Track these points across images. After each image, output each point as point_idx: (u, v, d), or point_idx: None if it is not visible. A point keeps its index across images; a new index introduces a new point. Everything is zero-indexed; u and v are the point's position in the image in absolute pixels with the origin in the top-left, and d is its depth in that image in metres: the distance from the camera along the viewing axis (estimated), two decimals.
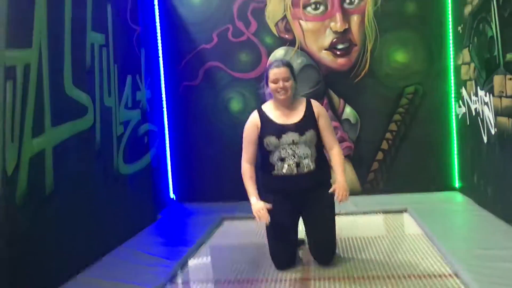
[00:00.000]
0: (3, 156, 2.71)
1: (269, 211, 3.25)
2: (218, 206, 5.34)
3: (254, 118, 3.36)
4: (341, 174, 3.33)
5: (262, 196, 3.32)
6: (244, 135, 3.37)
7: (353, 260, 3.56)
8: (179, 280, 3.46)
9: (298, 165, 3.22)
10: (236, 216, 4.97)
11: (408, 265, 3.42)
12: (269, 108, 3.37)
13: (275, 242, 3.41)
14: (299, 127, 3.25)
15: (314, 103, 3.40)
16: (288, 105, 3.31)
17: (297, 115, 3.30)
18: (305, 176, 3.25)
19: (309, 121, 3.29)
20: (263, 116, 3.33)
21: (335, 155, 3.37)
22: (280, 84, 3.22)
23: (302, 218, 3.45)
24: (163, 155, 5.57)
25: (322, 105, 5.62)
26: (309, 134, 3.26)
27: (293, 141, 3.22)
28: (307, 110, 3.32)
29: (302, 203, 3.35)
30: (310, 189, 3.30)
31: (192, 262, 3.80)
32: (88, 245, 3.57)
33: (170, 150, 5.66)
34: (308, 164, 3.24)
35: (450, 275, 3.18)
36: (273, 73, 3.26)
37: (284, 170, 3.24)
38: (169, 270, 3.45)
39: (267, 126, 3.29)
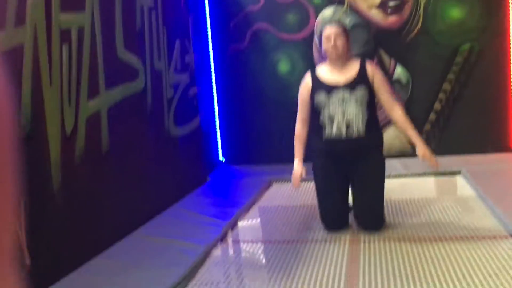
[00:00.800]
0: (61, 117, 2.81)
1: (319, 173, 3.31)
2: (267, 168, 5.37)
3: (306, 78, 3.37)
4: (417, 137, 3.27)
5: (314, 159, 3.35)
6: (299, 95, 3.39)
7: (403, 223, 3.52)
8: (230, 239, 3.54)
9: (348, 126, 3.17)
10: (285, 178, 4.99)
11: (461, 227, 3.35)
12: (322, 69, 3.36)
13: (324, 203, 3.40)
14: (350, 84, 3.21)
15: (369, 64, 3.35)
16: (341, 64, 3.27)
17: (350, 74, 3.26)
18: (355, 140, 3.20)
19: (361, 79, 3.23)
20: (314, 76, 3.32)
21: (399, 116, 3.31)
22: (332, 42, 3.20)
23: (351, 183, 3.38)
24: (212, 118, 5.63)
25: None
26: (360, 91, 3.21)
27: (343, 98, 3.19)
28: (361, 69, 3.27)
29: (351, 167, 3.30)
30: (360, 153, 3.24)
31: (241, 223, 3.87)
32: (141, 204, 3.70)
33: (219, 113, 5.72)
34: (358, 126, 3.19)
35: (505, 236, 3.11)
36: (326, 31, 3.25)
37: (333, 130, 3.20)
38: (220, 229, 3.53)
39: (318, 85, 3.28)
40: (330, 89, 3.23)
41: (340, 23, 3.38)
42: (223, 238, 3.47)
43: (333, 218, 3.42)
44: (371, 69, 3.30)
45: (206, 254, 3.12)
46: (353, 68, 3.28)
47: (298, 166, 3.35)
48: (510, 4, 5.07)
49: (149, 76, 3.97)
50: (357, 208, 3.39)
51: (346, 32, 3.29)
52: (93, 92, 3.16)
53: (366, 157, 3.25)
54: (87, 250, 2.99)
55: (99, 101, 3.23)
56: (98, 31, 3.24)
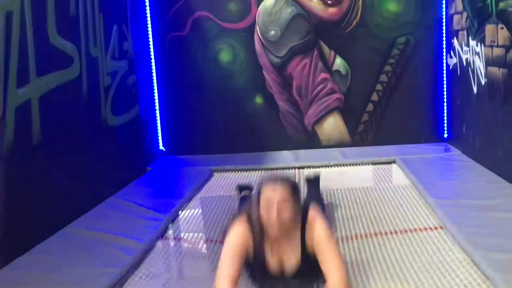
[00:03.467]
0: None
1: None
2: (208, 158, 5.34)
3: (245, 237, 2.30)
4: None
5: None
6: (227, 244, 2.30)
7: (341, 216, 3.55)
8: (170, 233, 3.47)
9: None
10: (226, 168, 4.99)
11: (395, 219, 3.43)
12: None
13: None
14: (296, 278, 2.35)
15: (310, 224, 2.32)
16: (282, 236, 2.30)
17: (293, 254, 2.34)
18: None
19: (308, 264, 2.33)
20: (256, 243, 2.31)
21: (334, 285, 2.20)
22: (274, 212, 2.19)
23: None
24: (152, 107, 5.52)
25: (312, 56, 5.65)
26: (308, 278, 2.40)
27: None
28: (302, 240, 2.32)
29: None
30: None
31: (182, 215, 3.83)
32: (77, 196, 3.58)
33: (159, 102, 5.60)
34: None
35: (435, 228, 3.21)
36: (265, 197, 2.23)
37: None
38: (159, 224, 3.44)
39: (255, 265, 2.34)
40: (271, 283, 2.37)
41: (287, 182, 2.29)
42: (163, 234, 3.39)
43: None
44: (311, 239, 2.31)
45: (145, 252, 3.04)
46: (295, 236, 2.31)
47: None
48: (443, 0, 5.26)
49: (84, 63, 3.82)
50: None
51: (295, 194, 2.28)
52: (23, 80, 3.00)
53: None
54: (17, 246, 2.86)
55: (30, 89, 3.08)
56: (29, 16, 3.08)
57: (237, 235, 2.29)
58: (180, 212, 3.85)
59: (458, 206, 3.38)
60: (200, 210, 3.98)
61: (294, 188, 2.29)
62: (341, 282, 2.19)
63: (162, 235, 3.38)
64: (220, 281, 2.19)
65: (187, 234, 3.50)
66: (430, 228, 3.23)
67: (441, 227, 3.19)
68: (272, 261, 2.33)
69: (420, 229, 3.23)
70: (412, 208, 3.64)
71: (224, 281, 2.18)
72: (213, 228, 3.49)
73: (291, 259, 2.33)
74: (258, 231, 2.29)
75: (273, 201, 2.19)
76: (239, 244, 2.28)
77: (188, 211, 3.91)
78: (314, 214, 2.34)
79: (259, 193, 2.27)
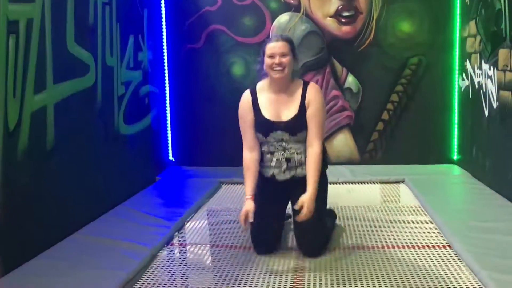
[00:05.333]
0: (5, 111, 2.71)
1: (257, 198, 2.94)
2: (217, 170, 5.37)
3: (247, 101, 2.96)
4: (313, 185, 2.81)
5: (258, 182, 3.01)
6: (240, 119, 2.98)
7: (348, 229, 3.59)
8: (176, 242, 3.51)
9: (288, 160, 2.88)
10: (234, 180, 5.01)
11: (402, 236, 3.45)
12: (262, 89, 2.97)
13: (257, 229, 3.08)
14: (290, 127, 2.87)
15: (310, 89, 2.92)
16: (284, 87, 2.90)
17: (291, 108, 2.88)
18: (296, 172, 2.94)
19: (302, 119, 2.87)
20: (255, 102, 2.94)
21: (312, 156, 2.84)
22: (276, 59, 2.81)
23: (291, 206, 3.09)
24: (164, 117, 5.57)
25: (324, 73, 5.68)
26: (302, 134, 2.89)
27: (282, 139, 2.88)
28: (302, 100, 2.88)
29: (291, 191, 3.02)
30: (301, 179, 2.93)
31: (189, 224, 3.85)
32: (87, 203, 3.61)
33: (170, 113, 5.66)
34: (300, 159, 2.89)
35: (443, 245, 3.22)
36: (270, 47, 2.85)
37: (272, 164, 2.91)
38: (166, 231, 3.49)
39: (256, 119, 2.92)
40: (267, 128, 2.89)
41: (287, 37, 2.96)
42: (169, 241, 3.44)
43: (263, 246, 3.12)
44: (309, 98, 2.90)
45: (152, 257, 3.08)
46: (295, 97, 2.90)
47: (247, 204, 2.89)
48: (457, 21, 5.28)
49: (100, 72, 3.88)
50: (296, 235, 3.13)
51: (293, 49, 2.91)
52: (40, 86, 3.05)
53: (305, 182, 2.90)
54: (28, 249, 2.89)
55: (46, 96, 3.13)
56: (48, 24, 3.14)
57: (241, 104, 2.98)
58: (186, 221, 3.88)
59: (466, 227, 3.38)
60: (207, 221, 4.00)
61: (292, 43, 2.91)
62: (319, 154, 2.85)
63: (169, 242, 3.42)
64: (243, 151, 2.96)
65: (193, 241, 3.52)
66: (438, 246, 3.23)
67: (448, 246, 3.20)
68: (269, 110, 2.89)
69: (428, 246, 3.23)
70: (420, 226, 3.64)
71: (244, 151, 2.95)
72: (219, 236, 3.51)
73: (289, 110, 2.86)
74: (254, 90, 2.95)
75: (275, 48, 2.81)
76: (243, 111, 2.95)
77: (195, 221, 3.93)
78: (315, 84, 2.97)
79: (263, 50, 2.88)
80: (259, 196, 2.95)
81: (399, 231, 3.55)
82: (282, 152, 2.86)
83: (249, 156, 2.93)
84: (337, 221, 3.72)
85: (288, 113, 2.87)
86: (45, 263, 2.87)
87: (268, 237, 3.10)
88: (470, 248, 2.97)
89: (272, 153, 2.89)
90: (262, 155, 2.96)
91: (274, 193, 3.01)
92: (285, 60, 2.82)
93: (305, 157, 2.87)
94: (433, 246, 3.23)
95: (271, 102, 2.91)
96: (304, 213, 2.80)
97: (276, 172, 2.91)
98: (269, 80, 2.93)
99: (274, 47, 2.83)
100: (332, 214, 3.56)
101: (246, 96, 2.99)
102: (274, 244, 3.15)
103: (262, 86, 2.99)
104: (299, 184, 2.91)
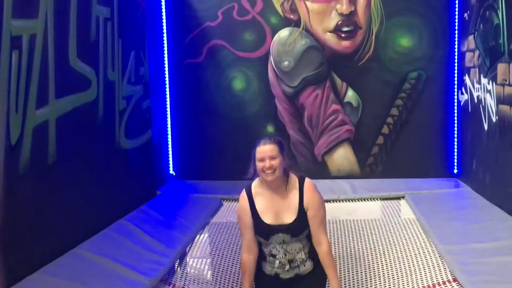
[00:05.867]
0: (7, 125, 2.73)
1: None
2: (217, 184, 5.36)
3: (245, 205, 2.91)
4: (335, 278, 2.84)
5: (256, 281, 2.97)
6: (238, 220, 2.96)
7: (348, 244, 3.55)
8: (174, 281, 3.37)
9: (291, 261, 2.85)
10: (235, 198, 4.98)
11: (407, 275, 3.32)
12: (258, 192, 2.92)
13: None
14: (292, 230, 2.84)
15: (307, 189, 2.88)
16: (278, 187, 2.87)
17: (290, 210, 2.85)
18: (298, 270, 2.88)
19: (302, 220, 2.84)
20: (252, 207, 2.88)
21: (325, 253, 2.85)
22: (267, 163, 2.78)
23: None
24: (165, 132, 5.59)
25: (324, 88, 5.71)
26: (303, 235, 2.86)
27: (283, 241, 2.85)
28: (300, 202, 2.84)
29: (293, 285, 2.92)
30: (304, 277, 2.89)
31: (192, 250, 3.79)
32: (88, 216, 3.61)
33: (171, 127, 5.68)
34: (301, 257, 2.86)
35: (448, 280, 3.13)
36: (259, 151, 2.82)
37: (275, 265, 2.87)
38: (166, 261, 3.40)
39: (255, 224, 2.87)
40: (268, 232, 2.85)
41: (275, 139, 2.92)
42: (168, 276, 3.34)
43: None
44: (308, 198, 2.85)
45: None
46: (292, 198, 2.86)
47: None
48: (456, 36, 5.33)
49: (101, 87, 3.90)
50: None
51: (283, 148, 2.87)
52: (42, 101, 3.08)
53: (307, 278, 2.88)
54: (29, 263, 2.89)
55: (48, 110, 3.15)
56: (51, 40, 3.17)
57: (239, 207, 2.91)
58: (187, 249, 3.81)
59: (467, 252, 3.29)
60: (208, 241, 3.93)
61: (281, 144, 2.89)
62: (330, 250, 2.83)
63: (167, 279, 3.32)
64: (242, 252, 2.92)
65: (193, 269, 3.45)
66: (444, 283, 3.14)
67: (454, 280, 3.10)
68: (268, 214, 2.84)
69: (434, 285, 3.14)
70: (423, 260, 3.48)
71: (243, 252, 2.90)
72: (220, 259, 3.46)
73: (289, 213, 2.83)
74: (250, 193, 2.89)
75: (264, 152, 2.79)
76: (242, 214, 2.88)
77: (195, 250, 3.85)
78: (310, 182, 2.91)
79: (254, 154, 2.85)
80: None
81: (401, 264, 3.41)
82: (284, 255, 2.84)
83: (247, 259, 2.90)
84: (337, 236, 3.70)
85: (287, 216, 2.84)
86: (44, 278, 2.84)
87: None
88: (473, 279, 2.89)
89: (274, 256, 2.85)
90: (263, 255, 2.91)
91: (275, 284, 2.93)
92: (275, 162, 2.79)
93: (307, 253, 2.85)
94: (438, 284, 3.13)
95: (268, 205, 2.88)
96: None
97: (279, 272, 2.88)
98: (262, 182, 2.87)
99: (263, 151, 2.81)
100: None
101: (244, 199, 2.91)
102: None
103: (257, 187, 2.93)
104: (302, 280, 2.89)
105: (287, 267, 2.84)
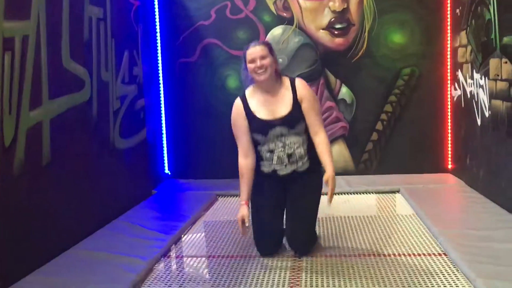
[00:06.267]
0: (0, 127, 2.72)
1: (256, 197, 3.12)
2: (213, 183, 5.38)
3: (239, 108, 3.09)
4: (330, 163, 2.95)
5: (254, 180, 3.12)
6: (233, 127, 3.10)
7: (344, 238, 3.62)
8: (173, 254, 3.51)
9: (289, 155, 2.98)
10: (230, 193, 5.02)
11: (398, 244, 3.48)
12: (252, 95, 3.07)
13: (259, 228, 3.22)
14: (288, 121, 2.97)
15: (298, 84, 3.03)
16: (271, 87, 3.01)
17: (284, 105, 2.99)
18: (297, 165, 3.04)
19: (298, 112, 2.98)
20: (246, 106, 3.05)
21: (321, 143, 2.99)
22: (258, 63, 2.92)
23: (286, 202, 3.21)
24: (159, 131, 5.59)
25: (318, 85, 5.73)
26: (300, 126, 3.00)
27: (281, 133, 2.97)
28: (294, 97, 2.99)
29: (289, 186, 3.12)
30: (300, 174, 3.07)
31: (186, 237, 3.85)
32: (83, 217, 3.62)
33: (166, 126, 5.68)
34: (300, 152, 2.98)
35: (439, 253, 3.25)
36: (249, 53, 2.97)
37: (274, 161, 2.99)
38: (163, 244, 3.50)
39: (252, 120, 3.02)
40: (265, 128, 2.99)
41: (264, 41, 3.11)
42: (166, 253, 3.44)
43: (267, 244, 3.24)
44: (300, 93, 3.01)
45: (149, 270, 3.09)
46: (285, 94, 3.00)
47: (241, 210, 3.03)
48: (448, 32, 5.35)
49: (95, 87, 3.91)
50: (288, 229, 3.25)
51: (271, 50, 3.02)
52: (35, 102, 3.08)
53: (304, 177, 3.07)
54: (24, 265, 2.89)
55: (42, 111, 3.15)
56: (44, 40, 3.17)
57: (233, 112, 3.09)
58: (183, 234, 3.89)
59: (461, 235, 3.40)
60: (203, 233, 4.00)
61: (269, 45, 3.03)
62: (326, 139, 2.99)
63: (165, 254, 3.42)
64: (239, 158, 3.08)
65: (189, 253, 3.53)
66: (434, 254, 3.25)
67: (444, 254, 3.22)
68: (263, 111, 2.97)
69: (424, 254, 3.25)
70: (415, 235, 3.66)
71: (239, 158, 3.06)
72: (215, 247, 3.52)
73: (283, 108, 2.95)
74: (244, 98, 3.07)
75: (255, 53, 2.92)
76: (236, 117, 3.06)
77: (192, 234, 3.94)
78: (301, 80, 3.06)
79: (244, 58, 2.99)
80: (257, 196, 3.11)
81: (395, 240, 3.57)
82: (282, 149, 2.95)
83: (244, 163, 3.03)
84: (334, 231, 3.75)
85: (282, 110, 2.98)
86: (41, 279, 2.86)
87: (270, 236, 3.21)
88: (465, 256, 2.99)
89: (272, 151, 2.98)
90: (260, 155, 3.07)
91: (272, 190, 3.11)
92: (265, 62, 2.94)
93: (305, 149, 3.00)
94: (429, 254, 3.25)
95: (263, 103, 3.02)
96: (330, 189, 2.94)
97: (278, 168, 3.01)
98: (256, 84, 3.05)
99: (253, 52, 2.96)
100: None
101: (238, 103, 3.11)
102: (277, 244, 3.27)
103: (250, 91, 3.10)
104: (298, 179, 3.05)
105: (285, 161, 2.96)
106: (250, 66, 2.96)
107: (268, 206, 3.15)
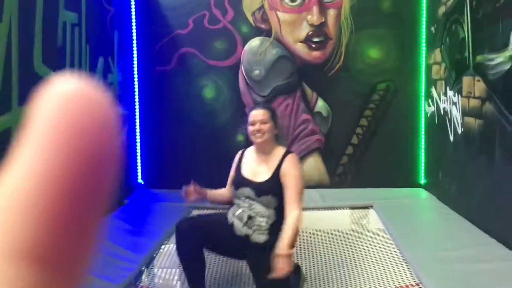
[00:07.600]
0: None
1: (211, 216, 3.32)
2: None
3: (237, 156, 3.29)
4: (286, 243, 2.70)
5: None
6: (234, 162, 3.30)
7: (315, 254, 3.60)
8: (145, 276, 3.43)
9: (250, 218, 2.95)
10: (205, 206, 4.95)
11: (372, 276, 3.38)
12: (250, 152, 3.21)
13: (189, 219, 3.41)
14: (257, 187, 2.97)
15: (288, 158, 3.01)
16: (265, 151, 3.07)
17: (266, 172, 3.02)
18: (251, 235, 2.94)
19: (272, 184, 2.96)
20: (240, 159, 3.20)
21: (290, 218, 2.81)
22: (257, 126, 3.02)
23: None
24: (133, 140, 5.51)
25: (295, 97, 5.73)
26: (267, 199, 2.95)
27: (249, 196, 2.99)
28: (277, 168, 2.98)
29: (245, 250, 2.96)
30: (254, 245, 2.92)
31: (158, 256, 3.76)
32: None
33: (140, 135, 5.61)
34: (260, 223, 2.91)
35: (412, 285, 3.19)
36: (252, 115, 3.08)
37: (236, 213, 3.00)
38: (133, 267, 3.39)
39: (236, 173, 3.15)
40: (240, 183, 3.05)
41: (267, 106, 3.26)
42: (135, 280, 3.34)
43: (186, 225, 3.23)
44: (285, 165, 2.97)
45: None
46: (272, 163, 3.02)
47: (196, 186, 3.21)
48: (423, 49, 5.43)
49: None
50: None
51: (274, 116, 3.10)
52: (4, 108, 2.99)
53: (257, 253, 2.90)
54: None
55: (11, 117, 3.06)
56: (15, 45, 3.09)
57: (236, 157, 3.29)
58: (154, 254, 3.79)
59: (434, 259, 3.36)
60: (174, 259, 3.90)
61: (273, 111, 3.14)
62: (298, 218, 2.83)
63: (135, 281, 3.33)
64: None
65: (161, 276, 3.45)
66: (408, 286, 3.20)
67: (417, 284, 3.17)
68: (248, 169, 3.10)
69: (401, 287, 3.20)
70: (389, 262, 3.57)
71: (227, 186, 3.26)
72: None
73: (264, 174, 3.03)
74: (243, 152, 3.24)
75: (256, 116, 3.04)
76: (233, 164, 3.26)
77: (163, 257, 3.82)
78: (294, 156, 3.09)
79: (248, 119, 3.11)
80: (212, 217, 3.32)
81: (369, 270, 3.46)
82: (247, 209, 2.99)
83: (228, 188, 3.25)
84: (304, 248, 3.72)
85: (262, 176, 3.04)
86: None
87: (191, 228, 3.13)
88: (440, 284, 2.94)
89: (239, 206, 3.05)
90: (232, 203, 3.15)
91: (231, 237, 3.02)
92: (264, 127, 3.03)
93: (269, 225, 2.93)
94: (406, 286, 3.19)
95: (251, 162, 3.15)
96: (276, 268, 2.68)
97: (235, 223, 3.00)
98: (254, 145, 3.18)
99: (255, 115, 3.07)
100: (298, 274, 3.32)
101: (239, 153, 3.31)
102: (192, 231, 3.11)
103: (250, 149, 3.25)
104: (252, 248, 2.91)
105: (244, 220, 2.97)
106: (250, 128, 3.08)
107: (210, 224, 3.11)
